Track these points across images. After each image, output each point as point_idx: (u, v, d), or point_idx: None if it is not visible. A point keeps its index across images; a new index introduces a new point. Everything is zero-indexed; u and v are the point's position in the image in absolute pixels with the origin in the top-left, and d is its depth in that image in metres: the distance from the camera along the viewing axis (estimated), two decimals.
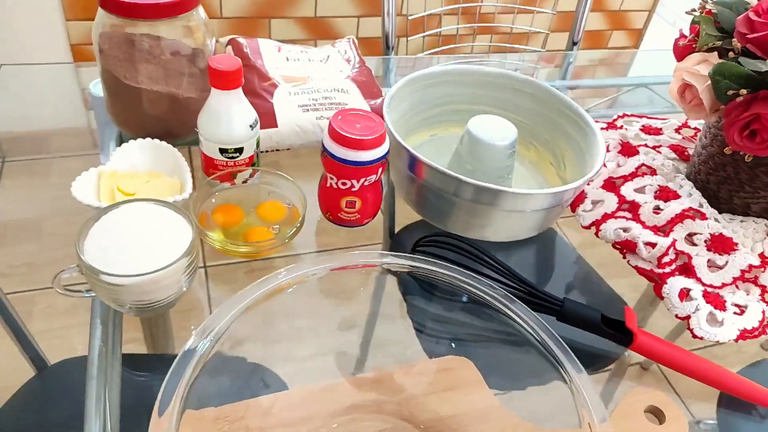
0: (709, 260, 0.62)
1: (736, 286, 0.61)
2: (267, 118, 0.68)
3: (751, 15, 0.59)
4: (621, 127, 0.82)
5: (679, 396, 0.53)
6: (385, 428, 0.46)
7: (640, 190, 0.70)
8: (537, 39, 1.57)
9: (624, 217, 0.66)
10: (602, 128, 0.82)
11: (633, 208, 0.67)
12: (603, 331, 0.53)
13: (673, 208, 0.66)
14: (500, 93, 0.75)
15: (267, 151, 0.70)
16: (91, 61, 0.71)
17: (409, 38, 1.31)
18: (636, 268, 0.63)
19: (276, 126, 0.68)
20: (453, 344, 0.52)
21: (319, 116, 0.69)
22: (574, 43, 1.28)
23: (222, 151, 0.59)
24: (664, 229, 0.65)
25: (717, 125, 0.67)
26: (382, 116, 0.60)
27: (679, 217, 0.65)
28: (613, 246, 0.65)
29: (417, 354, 0.53)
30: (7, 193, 0.64)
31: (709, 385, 0.53)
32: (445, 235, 0.59)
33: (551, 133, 0.73)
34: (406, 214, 0.67)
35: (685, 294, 0.59)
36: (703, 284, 0.61)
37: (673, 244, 0.62)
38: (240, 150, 0.60)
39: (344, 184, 0.58)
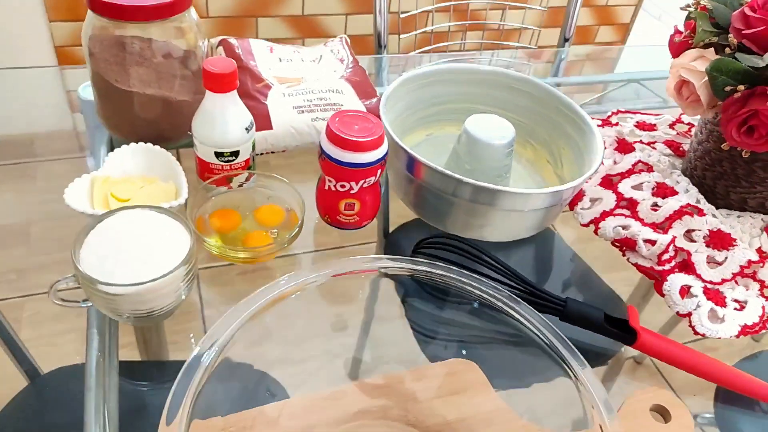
0: (708, 256, 0.62)
1: (736, 282, 0.62)
2: (261, 120, 0.67)
3: (747, 11, 0.59)
4: (616, 124, 0.82)
5: (674, 390, 0.54)
6: None
7: (638, 187, 0.69)
8: (527, 35, 1.57)
9: (622, 215, 0.66)
10: (598, 125, 0.82)
11: (631, 205, 0.67)
12: (606, 331, 0.53)
13: (671, 204, 0.66)
14: (496, 91, 0.74)
15: (262, 154, 0.69)
16: (76, 64, 0.70)
17: (401, 36, 1.30)
18: (636, 265, 0.63)
19: (271, 128, 0.67)
20: (458, 347, 0.51)
21: (315, 117, 0.69)
22: (566, 40, 1.28)
23: (218, 154, 0.59)
24: (662, 226, 0.65)
25: (713, 121, 0.67)
26: (378, 116, 0.59)
27: (678, 214, 0.65)
28: (613, 244, 0.65)
29: (421, 358, 0.52)
30: None
31: (714, 383, 0.53)
32: (445, 237, 0.58)
33: (548, 131, 0.73)
34: (399, 212, 0.66)
35: (685, 291, 0.59)
36: (703, 281, 0.61)
37: (672, 241, 0.62)
38: (236, 153, 0.59)
39: (343, 186, 0.57)
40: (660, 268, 0.62)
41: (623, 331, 0.53)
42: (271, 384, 0.45)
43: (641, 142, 0.79)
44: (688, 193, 0.69)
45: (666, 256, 0.62)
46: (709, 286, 0.60)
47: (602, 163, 0.73)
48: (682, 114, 0.86)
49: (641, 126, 0.83)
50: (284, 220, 0.60)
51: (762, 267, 0.63)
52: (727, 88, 0.58)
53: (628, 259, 0.64)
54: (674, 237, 0.62)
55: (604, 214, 0.67)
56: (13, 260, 0.56)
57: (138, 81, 0.62)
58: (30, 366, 0.49)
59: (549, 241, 0.70)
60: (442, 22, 1.39)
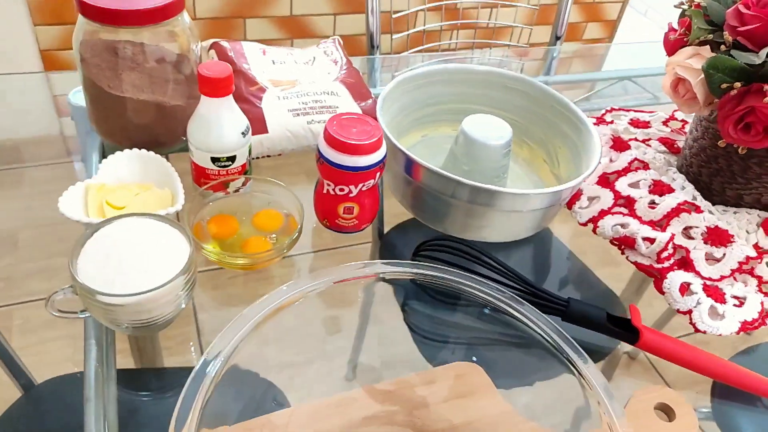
0: (706, 253, 0.63)
1: (734, 278, 0.62)
2: (257, 124, 0.66)
3: (741, 8, 0.59)
4: (611, 122, 0.83)
5: (669, 385, 0.54)
6: None
7: (635, 185, 0.70)
8: (518, 33, 1.57)
9: (620, 213, 0.66)
10: (593, 123, 0.82)
11: (629, 203, 0.67)
12: (609, 330, 0.53)
13: (668, 202, 0.66)
14: (491, 91, 0.74)
15: (257, 158, 0.68)
16: (62, 68, 0.69)
17: (393, 36, 1.29)
18: (635, 263, 0.63)
19: (266, 132, 0.67)
20: (462, 350, 0.51)
21: (311, 120, 0.68)
22: (557, 38, 1.28)
23: (214, 160, 0.58)
24: (660, 224, 0.65)
25: (709, 118, 0.67)
26: (374, 118, 0.58)
27: (675, 211, 0.65)
28: (611, 242, 0.65)
29: (425, 362, 0.52)
30: None
31: (717, 380, 0.53)
32: (445, 239, 0.58)
33: (544, 130, 0.73)
34: (393, 212, 0.66)
35: (685, 288, 0.59)
36: (703, 278, 0.61)
37: (671, 238, 0.62)
38: (232, 158, 0.58)
39: (342, 190, 0.56)
40: (659, 265, 0.62)
41: (625, 330, 0.53)
42: (278, 393, 0.45)
43: (636, 139, 0.79)
44: (684, 190, 0.69)
45: (665, 254, 0.62)
46: (708, 282, 0.60)
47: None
48: (675, 111, 0.86)
49: (635, 123, 0.83)
50: (283, 224, 0.59)
51: (759, 263, 0.63)
52: (724, 86, 0.58)
53: (627, 258, 0.64)
54: (673, 234, 0.63)
55: (603, 213, 0.67)
56: (1, 268, 0.55)
57: (131, 86, 0.61)
58: (23, 376, 0.48)
59: (542, 239, 0.69)
60: (432, 21, 1.38)
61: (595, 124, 0.82)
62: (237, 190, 0.61)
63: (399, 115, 0.71)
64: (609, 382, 0.54)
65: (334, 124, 0.55)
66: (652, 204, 0.67)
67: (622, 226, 0.64)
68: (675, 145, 0.79)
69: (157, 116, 0.63)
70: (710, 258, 0.63)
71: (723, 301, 0.59)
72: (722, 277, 0.61)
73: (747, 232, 0.67)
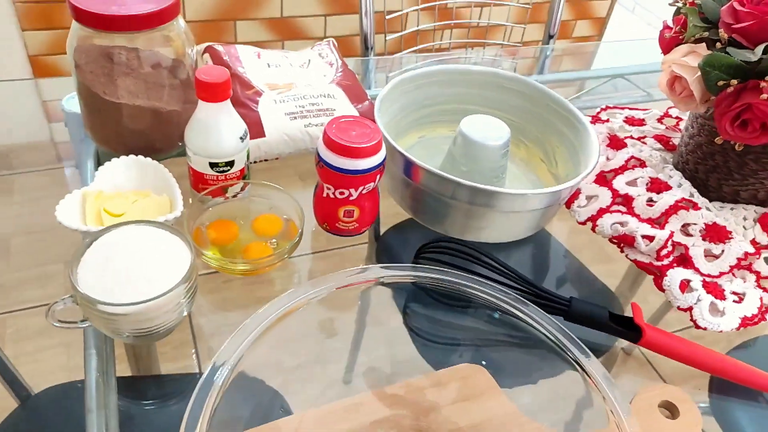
0: (705, 250, 0.63)
1: (733, 274, 0.62)
2: (254, 128, 0.66)
3: (735, 5, 0.60)
4: (606, 120, 0.83)
5: (664, 380, 0.54)
6: None
7: (632, 183, 0.70)
8: (510, 32, 1.58)
9: (619, 211, 0.67)
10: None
11: (627, 201, 0.68)
12: (612, 329, 0.53)
13: (666, 199, 0.66)
14: (488, 91, 0.74)
15: (255, 162, 0.68)
16: (52, 73, 0.68)
17: (387, 37, 1.29)
18: (635, 261, 0.63)
19: (264, 135, 0.66)
20: (467, 352, 0.51)
21: (308, 123, 0.68)
22: (550, 36, 1.29)
23: (212, 165, 0.57)
24: (659, 221, 0.66)
25: (705, 115, 0.67)
26: (372, 120, 0.58)
27: (673, 209, 0.65)
28: (611, 240, 0.66)
29: (428, 365, 0.52)
30: None
31: (720, 377, 0.54)
32: (446, 241, 0.58)
33: (541, 130, 0.73)
34: (388, 212, 0.66)
35: (685, 285, 0.60)
36: (702, 274, 0.61)
37: (671, 236, 0.62)
38: (231, 163, 0.58)
39: (342, 193, 0.56)
40: (659, 263, 0.62)
41: (628, 328, 0.54)
42: (284, 399, 0.45)
43: (631, 137, 0.80)
44: (681, 188, 0.69)
45: (664, 251, 0.62)
46: (707, 279, 0.61)
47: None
48: (669, 108, 0.87)
49: (630, 121, 0.83)
50: (282, 229, 0.59)
51: (757, 258, 0.63)
52: (720, 83, 0.59)
53: (626, 256, 0.64)
54: (672, 232, 0.63)
55: (601, 212, 0.67)
56: None
57: (126, 92, 0.60)
58: (19, 385, 0.48)
59: (542, 238, 0.69)
60: (425, 22, 1.38)
61: (591, 122, 0.83)
62: (236, 195, 0.60)
63: (396, 116, 0.70)
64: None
65: (333, 128, 0.54)
66: (650, 201, 0.67)
67: (621, 224, 0.65)
68: (670, 143, 0.79)
69: (153, 122, 0.63)
70: (709, 254, 0.63)
71: (723, 298, 0.59)
72: (721, 274, 0.61)
73: (744, 228, 0.67)
